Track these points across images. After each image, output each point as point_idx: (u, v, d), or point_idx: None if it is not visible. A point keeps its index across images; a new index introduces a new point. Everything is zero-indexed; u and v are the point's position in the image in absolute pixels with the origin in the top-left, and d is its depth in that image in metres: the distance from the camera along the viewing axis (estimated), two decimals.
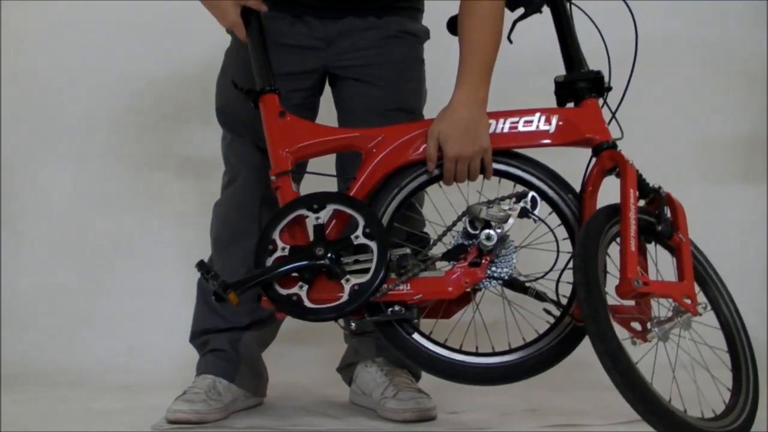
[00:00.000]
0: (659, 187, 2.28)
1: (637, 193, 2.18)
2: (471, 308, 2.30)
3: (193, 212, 3.35)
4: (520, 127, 2.28)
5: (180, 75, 3.47)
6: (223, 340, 2.61)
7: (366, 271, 2.17)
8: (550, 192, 2.30)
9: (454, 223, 2.25)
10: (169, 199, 3.62)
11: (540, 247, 2.26)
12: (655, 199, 2.26)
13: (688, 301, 2.12)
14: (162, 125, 3.61)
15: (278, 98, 2.34)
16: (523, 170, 2.31)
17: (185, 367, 2.79)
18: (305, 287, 2.17)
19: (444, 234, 2.27)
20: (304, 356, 3.22)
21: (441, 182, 2.30)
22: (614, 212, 2.17)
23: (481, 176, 2.30)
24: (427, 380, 2.51)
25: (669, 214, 2.26)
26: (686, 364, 2.24)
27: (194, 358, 2.70)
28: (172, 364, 3.12)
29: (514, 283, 2.25)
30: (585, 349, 2.12)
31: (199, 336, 2.67)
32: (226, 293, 2.15)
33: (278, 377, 2.83)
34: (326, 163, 2.52)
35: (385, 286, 2.17)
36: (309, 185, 2.45)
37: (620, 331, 2.09)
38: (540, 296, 2.24)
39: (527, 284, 2.25)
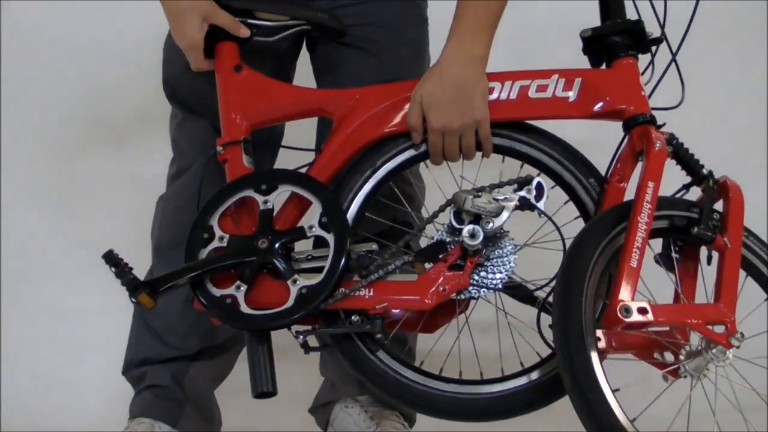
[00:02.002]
0: (710, 173, 2.00)
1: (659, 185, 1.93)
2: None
3: (131, 210, 3.03)
4: (532, 93, 2.03)
5: (120, 41, 3.21)
6: (165, 373, 2.36)
7: (320, 270, 1.96)
8: (567, 175, 2.06)
9: (435, 215, 2.04)
10: (100, 194, 3.28)
11: (551, 247, 1.99)
12: (704, 188, 2.01)
13: (720, 330, 1.85)
14: (94, 101, 3.29)
15: (238, 49, 2.15)
16: (532, 147, 2.07)
17: (116, 406, 2.57)
18: (243, 288, 1.97)
19: (422, 228, 2.06)
20: None
21: (428, 161, 2.10)
22: (627, 213, 1.92)
23: (479, 153, 2.07)
24: (424, 425, 2.34)
25: (722, 209, 1.98)
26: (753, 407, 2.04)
27: (127, 395, 2.43)
28: (98, 402, 2.89)
29: (519, 291, 2.03)
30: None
31: (134, 367, 2.40)
32: (135, 294, 1.96)
33: (234, 420, 2.57)
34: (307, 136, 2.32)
35: (342, 290, 1.95)
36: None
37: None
38: (548, 308, 1.98)
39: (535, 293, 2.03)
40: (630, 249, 1.82)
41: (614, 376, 1.83)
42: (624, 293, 1.79)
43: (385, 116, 2.06)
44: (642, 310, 1.79)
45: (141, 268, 2.14)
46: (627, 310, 1.78)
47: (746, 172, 2.14)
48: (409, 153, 2.07)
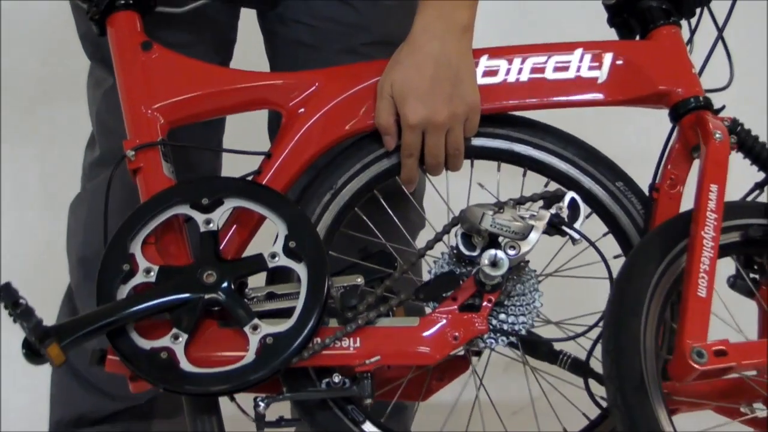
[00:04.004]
0: None
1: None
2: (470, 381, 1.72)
3: (46, 209, 2.78)
4: (549, 74, 1.68)
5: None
6: None
7: (287, 313, 1.56)
8: (588, 183, 1.72)
9: (439, 237, 1.64)
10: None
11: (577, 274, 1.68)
12: None
13: None
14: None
15: (140, 19, 1.73)
16: (542, 150, 1.72)
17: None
18: (183, 338, 1.55)
19: (422, 254, 1.64)
20: None
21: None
22: (685, 228, 1.60)
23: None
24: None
25: None
26: None
27: None
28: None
29: (536, 346, 1.69)
30: None
31: (66, 429, 2.06)
32: (43, 345, 1.53)
33: None
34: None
35: (317, 340, 1.56)
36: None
37: None
38: (579, 366, 1.67)
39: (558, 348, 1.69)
40: (695, 274, 1.50)
41: None
42: (694, 332, 1.46)
43: (352, 108, 1.68)
44: (719, 353, 1.46)
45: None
46: (700, 355, 1.45)
47: (746, 173, 1.88)
48: (380, 165, 1.69)
